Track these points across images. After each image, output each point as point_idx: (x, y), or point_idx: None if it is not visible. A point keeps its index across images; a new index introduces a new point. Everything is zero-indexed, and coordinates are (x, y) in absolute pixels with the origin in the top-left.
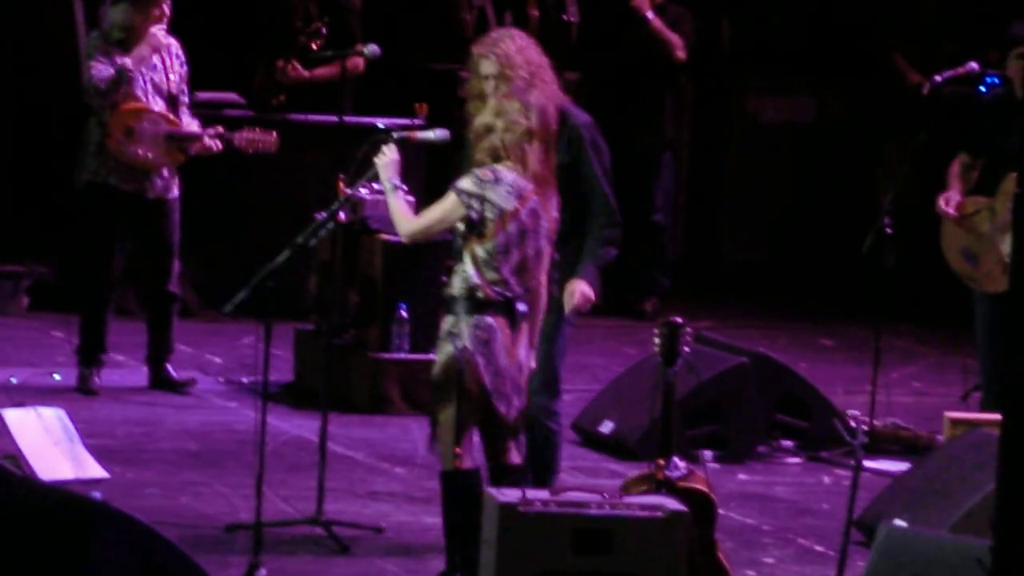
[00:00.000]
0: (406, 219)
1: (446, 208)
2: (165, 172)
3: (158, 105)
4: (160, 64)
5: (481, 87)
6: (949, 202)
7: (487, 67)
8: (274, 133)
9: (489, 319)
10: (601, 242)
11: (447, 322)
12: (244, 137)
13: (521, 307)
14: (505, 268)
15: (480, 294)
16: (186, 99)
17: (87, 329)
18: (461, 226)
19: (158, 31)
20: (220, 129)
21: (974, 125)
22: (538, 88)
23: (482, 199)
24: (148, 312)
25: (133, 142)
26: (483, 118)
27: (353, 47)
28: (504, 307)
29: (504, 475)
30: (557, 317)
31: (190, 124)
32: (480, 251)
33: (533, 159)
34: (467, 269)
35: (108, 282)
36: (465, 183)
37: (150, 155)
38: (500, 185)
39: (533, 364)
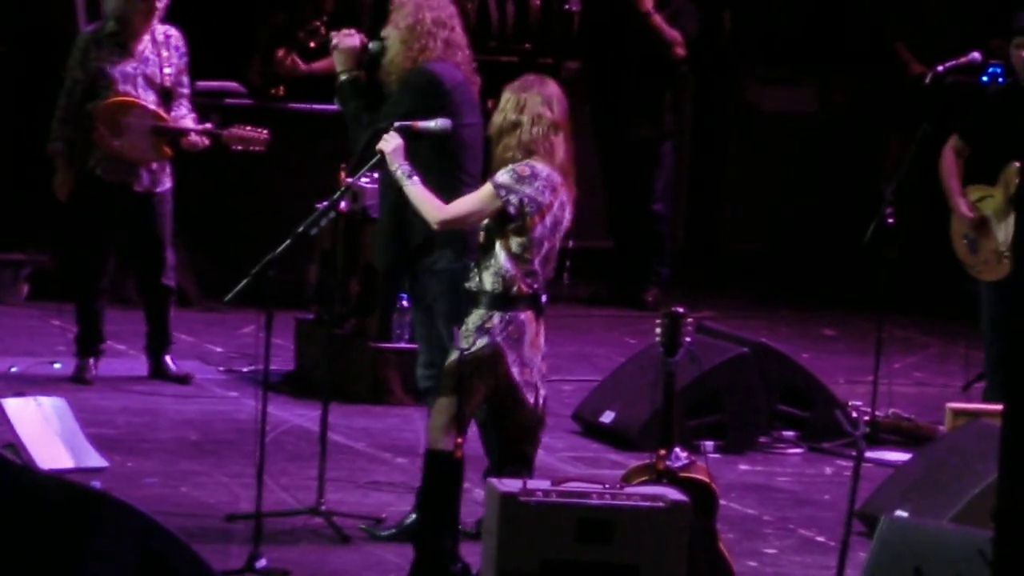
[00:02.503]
0: (436, 207)
1: (482, 200)
2: (154, 165)
3: (148, 99)
4: (155, 57)
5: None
6: (972, 207)
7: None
8: (265, 132)
9: (521, 315)
10: None
11: (477, 316)
12: (233, 134)
13: (544, 298)
14: (537, 260)
15: (515, 289)
16: (185, 91)
17: (82, 319)
18: (490, 220)
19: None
20: (209, 125)
21: (974, 112)
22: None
23: (520, 195)
24: (144, 305)
25: (118, 136)
26: (507, 114)
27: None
28: (533, 300)
29: (518, 463)
30: None
31: (184, 118)
32: (514, 244)
33: (561, 151)
34: (502, 263)
35: (98, 272)
36: (503, 178)
37: (135, 149)
38: (537, 180)
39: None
